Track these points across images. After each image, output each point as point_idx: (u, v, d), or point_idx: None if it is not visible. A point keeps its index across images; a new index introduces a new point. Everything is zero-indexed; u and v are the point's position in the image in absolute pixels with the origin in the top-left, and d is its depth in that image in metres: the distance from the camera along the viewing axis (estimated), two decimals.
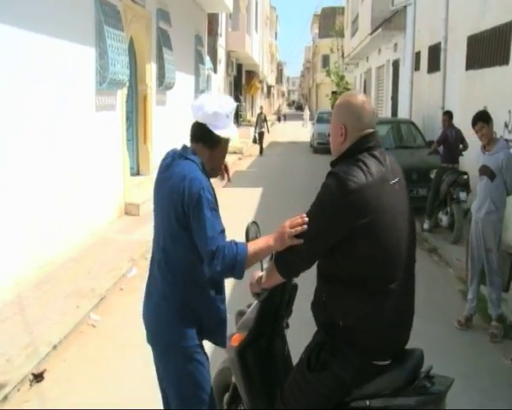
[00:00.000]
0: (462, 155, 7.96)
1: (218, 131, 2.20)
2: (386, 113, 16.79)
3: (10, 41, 5.12)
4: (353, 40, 22.02)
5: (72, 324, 4.51)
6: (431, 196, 7.89)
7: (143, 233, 6.89)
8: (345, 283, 1.96)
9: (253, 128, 22.27)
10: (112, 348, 4.31)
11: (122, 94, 8.28)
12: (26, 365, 3.79)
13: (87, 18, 6.98)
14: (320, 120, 21.93)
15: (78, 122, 6.68)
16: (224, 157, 2.38)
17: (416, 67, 12.90)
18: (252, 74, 33.96)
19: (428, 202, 7.89)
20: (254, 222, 2.45)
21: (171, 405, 2.29)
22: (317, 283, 2.10)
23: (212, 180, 2.29)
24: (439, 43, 10.43)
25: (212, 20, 17.97)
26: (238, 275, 2.05)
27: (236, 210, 8.40)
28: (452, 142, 7.80)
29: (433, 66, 11.19)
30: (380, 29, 14.56)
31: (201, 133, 2.23)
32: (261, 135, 20.07)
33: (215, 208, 2.11)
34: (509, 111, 6.91)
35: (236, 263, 2.02)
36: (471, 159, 6.69)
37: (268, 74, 47.69)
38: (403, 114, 14.09)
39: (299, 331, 2.73)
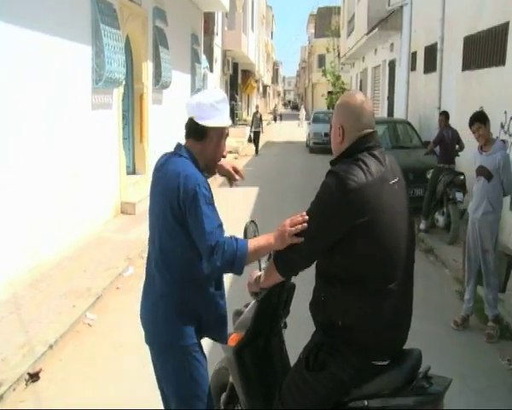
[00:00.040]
0: (458, 155, 7.98)
1: (202, 122, 2.17)
2: (382, 113, 16.81)
3: (6, 39, 5.08)
4: (349, 40, 22.04)
5: (68, 323, 4.49)
6: (427, 197, 7.90)
7: (139, 232, 6.88)
8: (344, 282, 1.96)
9: (248, 127, 22.26)
10: (108, 348, 4.29)
11: (118, 93, 8.25)
12: (21, 364, 3.77)
13: (83, 16, 6.95)
14: (316, 120, 21.97)
15: (74, 120, 6.65)
16: (217, 151, 2.27)
17: (413, 67, 12.93)
18: (248, 74, 33.96)
19: (425, 202, 7.91)
20: (253, 221, 2.45)
21: (169, 404, 2.28)
22: (316, 282, 2.10)
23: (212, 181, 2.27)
24: (436, 43, 10.45)
25: (209, 18, 17.95)
26: (238, 271, 2.04)
27: (233, 210, 8.38)
28: (449, 142, 7.82)
29: (430, 66, 11.21)
30: (376, 29, 14.58)
31: (189, 127, 2.22)
32: (257, 134, 20.05)
33: (212, 203, 2.10)
34: (505, 112, 6.93)
35: (236, 259, 2.01)
36: (467, 159, 6.72)
37: (264, 74, 47.68)
38: (399, 114, 14.11)
39: (297, 331, 2.73)
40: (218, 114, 2.19)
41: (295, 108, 75.75)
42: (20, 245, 5.37)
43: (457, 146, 7.90)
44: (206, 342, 2.34)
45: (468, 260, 4.73)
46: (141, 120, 9.81)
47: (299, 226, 1.94)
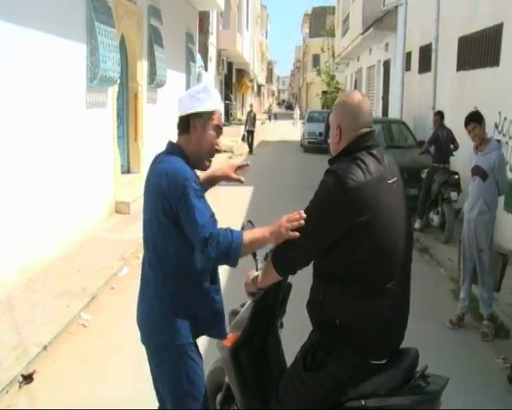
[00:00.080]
0: (453, 155, 8.01)
1: (183, 112, 2.21)
2: (377, 113, 16.84)
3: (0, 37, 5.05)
4: (344, 40, 22.08)
5: (62, 324, 4.45)
6: (422, 196, 7.92)
7: (134, 232, 6.83)
8: (343, 281, 1.95)
9: (243, 127, 22.24)
10: (103, 348, 4.26)
11: (113, 91, 8.21)
12: (15, 366, 3.73)
13: (78, 14, 6.91)
14: (310, 120, 22.06)
15: (69, 119, 6.61)
16: (203, 141, 2.19)
17: (407, 67, 12.96)
18: (242, 73, 33.94)
19: (419, 201, 7.93)
20: (249, 221, 2.44)
21: (165, 404, 2.27)
22: (313, 282, 2.09)
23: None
24: (430, 43, 10.48)
25: (204, 18, 17.92)
26: (232, 262, 2.03)
27: (227, 209, 8.35)
28: (443, 142, 7.84)
29: (424, 66, 11.24)
30: (371, 29, 14.62)
31: (177, 123, 2.25)
32: (251, 133, 20.04)
33: (202, 196, 2.09)
34: (500, 112, 6.96)
35: (231, 250, 2.00)
36: (462, 159, 6.74)
37: (258, 73, 47.68)
38: (394, 114, 14.15)
39: (294, 331, 2.72)
40: (199, 104, 2.18)
41: (289, 107, 75.78)
42: (14, 245, 5.32)
43: (452, 146, 7.93)
44: (201, 342, 2.32)
45: (463, 260, 4.75)
46: (135, 118, 9.76)
47: (296, 223, 1.94)
